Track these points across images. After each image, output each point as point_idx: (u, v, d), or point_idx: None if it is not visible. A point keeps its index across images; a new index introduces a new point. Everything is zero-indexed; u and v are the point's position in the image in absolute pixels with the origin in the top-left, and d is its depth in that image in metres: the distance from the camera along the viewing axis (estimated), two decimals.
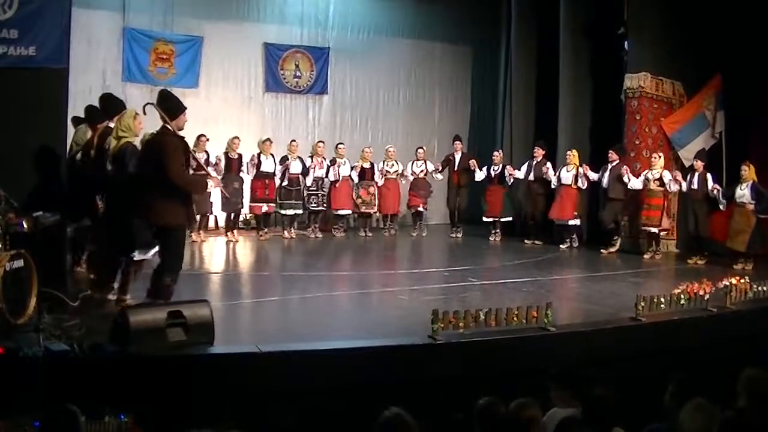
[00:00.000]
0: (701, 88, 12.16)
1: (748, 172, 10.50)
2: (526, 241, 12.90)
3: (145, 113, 6.99)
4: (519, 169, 13.09)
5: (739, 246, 10.51)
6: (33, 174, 7.51)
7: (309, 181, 12.74)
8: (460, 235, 13.69)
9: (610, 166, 11.88)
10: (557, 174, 12.47)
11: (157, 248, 6.91)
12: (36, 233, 6.82)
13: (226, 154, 12.17)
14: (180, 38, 13.62)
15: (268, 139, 12.65)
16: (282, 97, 14.71)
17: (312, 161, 12.82)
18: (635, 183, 11.54)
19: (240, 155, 12.25)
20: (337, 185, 12.99)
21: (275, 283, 9.37)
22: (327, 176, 12.96)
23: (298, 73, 14.75)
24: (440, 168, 13.74)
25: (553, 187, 12.58)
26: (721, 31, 11.54)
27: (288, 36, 14.66)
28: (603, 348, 6.79)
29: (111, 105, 7.80)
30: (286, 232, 12.73)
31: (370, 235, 13.49)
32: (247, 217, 13.06)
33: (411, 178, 13.65)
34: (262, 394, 5.50)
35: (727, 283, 7.97)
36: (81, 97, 9.87)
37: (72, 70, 8.14)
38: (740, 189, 10.50)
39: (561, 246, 12.35)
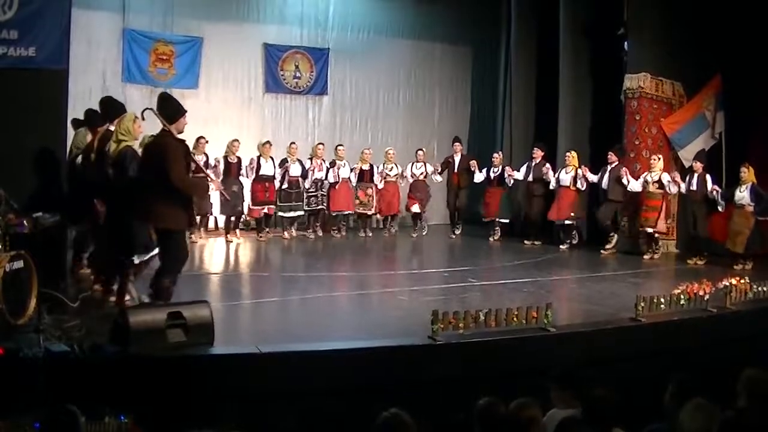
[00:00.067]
0: (701, 88, 12.15)
1: (748, 173, 10.50)
2: (525, 241, 12.90)
3: (144, 119, 6.98)
4: (518, 171, 13.09)
5: (738, 247, 10.51)
6: (33, 175, 7.53)
7: (308, 183, 12.74)
8: (458, 232, 13.71)
9: (609, 168, 11.88)
10: (557, 175, 12.47)
11: (156, 251, 6.91)
12: (36, 234, 6.83)
13: (225, 157, 12.16)
14: (180, 39, 13.61)
15: (268, 142, 12.65)
16: (282, 98, 14.70)
17: (311, 163, 12.82)
18: (634, 185, 11.54)
19: (239, 159, 12.24)
20: (336, 187, 12.99)
21: (275, 284, 9.37)
22: (326, 178, 12.96)
23: (297, 74, 14.75)
24: (440, 170, 13.73)
25: (552, 188, 12.58)
26: (721, 31, 11.54)
27: (288, 37, 14.65)
28: (603, 348, 6.79)
29: (111, 108, 7.79)
30: (285, 232, 12.73)
31: (370, 235, 13.49)
32: (247, 219, 13.04)
33: (410, 179, 13.64)
34: (262, 394, 5.50)
35: (727, 284, 7.97)
36: (81, 98, 9.89)
37: (72, 71, 8.17)
38: (740, 191, 10.50)
39: (561, 246, 12.34)
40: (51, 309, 6.33)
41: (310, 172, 12.73)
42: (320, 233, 13.17)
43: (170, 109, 6.68)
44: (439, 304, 7.07)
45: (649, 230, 11.47)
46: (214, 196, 11.59)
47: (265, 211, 12.52)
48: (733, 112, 11.94)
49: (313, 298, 8.32)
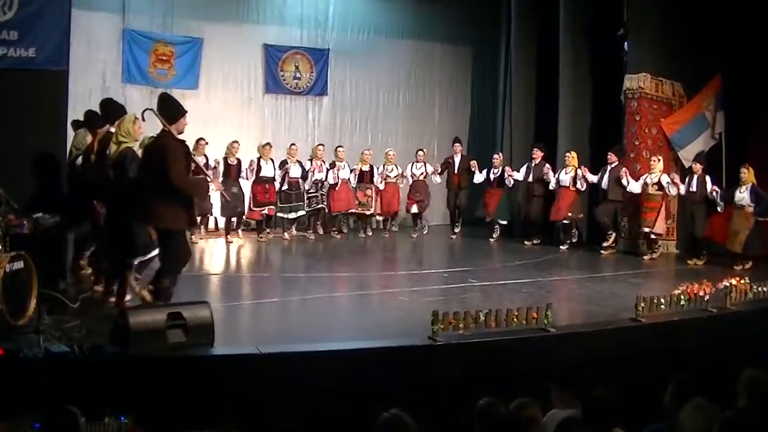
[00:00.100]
0: (701, 88, 12.15)
1: (748, 174, 10.50)
2: (525, 242, 12.90)
3: (144, 119, 6.98)
4: (518, 171, 13.09)
5: (737, 247, 10.51)
6: (33, 175, 7.54)
7: (308, 184, 12.74)
8: (457, 230, 13.73)
9: (609, 168, 11.89)
10: (556, 175, 12.47)
11: (156, 251, 6.92)
12: (36, 235, 6.83)
13: (225, 159, 12.16)
14: (180, 40, 13.61)
15: (268, 144, 12.65)
16: (282, 99, 14.69)
17: (311, 164, 12.82)
18: (634, 186, 11.54)
19: (239, 160, 12.24)
20: (336, 188, 13.00)
21: (275, 285, 9.37)
22: (326, 179, 12.97)
23: (297, 75, 14.75)
24: (440, 171, 13.73)
25: (552, 188, 12.59)
26: (720, 31, 11.54)
27: (288, 37, 14.65)
28: (603, 349, 6.79)
29: (112, 110, 7.79)
30: (286, 233, 12.73)
31: (370, 234, 13.50)
32: (247, 220, 13.04)
33: (410, 180, 13.64)
34: (262, 395, 5.50)
35: (727, 284, 7.98)
36: (81, 98, 9.89)
37: (72, 71, 8.18)
38: (739, 192, 10.50)
39: (561, 247, 12.35)
40: (51, 310, 6.31)
41: (311, 173, 12.73)
42: (321, 231, 13.17)
43: (170, 110, 6.68)
44: (439, 304, 7.06)
45: (646, 230, 11.47)
46: (215, 197, 11.59)
47: (266, 212, 12.52)
48: (733, 112, 11.94)
49: (313, 298, 8.32)
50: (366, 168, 13.29)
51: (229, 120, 13.82)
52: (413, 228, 13.99)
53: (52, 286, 7.11)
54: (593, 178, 12.08)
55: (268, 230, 12.63)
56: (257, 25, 14.30)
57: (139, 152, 7.07)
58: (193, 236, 11.37)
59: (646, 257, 11.50)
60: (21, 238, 6.61)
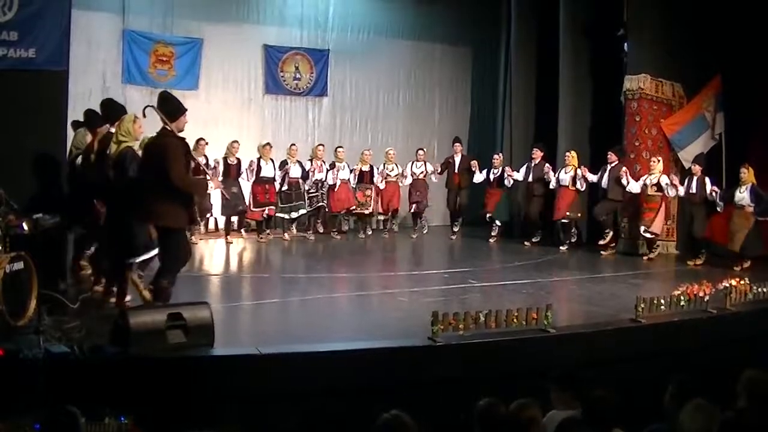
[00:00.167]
0: (701, 89, 12.16)
1: (747, 174, 10.51)
2: (525, 242, 12.91)
3: (145, 116, 6.98)
4: (518, 171, 13.10)
5: (735, 245, 10.52)
6: (33, 176, 7.53)
7: (308, 184, 12.75)
8: (456, 230, 13.73)
9: (609, 167, 11.90)
10: (556, 175, 12.48)
11: (156, 250, 6.92)
12: (36, 235, 6.83)
13: (224, 159, 12.18)
14: (180, 40, 13.62)
15: (268, 144, 12.65)
16: (282, 99, 14.70)
17: (312, 164, 12.83)
18: (634, 186, 11.55)
19: (239, 160, 12.25)
20: (335, 189, 13.00)
21: (275, 285, 9.37)
22: (326, 179, 12.97)
23: (297, 75, 14.75)
24: (440, 170, 13.74)
25: (552, 188, 12.59)
26: (720, 32, 11.54)
27: (288, 38, 14.66)
28: (603, 349, 6.79)
29: (112, 110, 7.79)
30: (286, 233, 12.73)
31: (370, 234, 13.51)
32: (248, 220, 13.04)
33: (410, 179, 13.64)
34: (263, 396, 5.50)
35: (727, 285, 7.97)
36: (81, 99, 9.89)
37: (72, 72, 8.18)
38: (739, 192, 10.50)
39: (560, 248, 12.35)
40: (51, 310, 6.32)
41: (311, 173, 12.74)
42: (321, 230, 13.17)
43: (171, 108, 6.67)
44: (439, 305, 7.06)
45: (643, 228, 11.47)
46: (215, 196, 11.59)
47: (266, 212, 12.52)
48: (733, 113, 11.94)
49: (313, 299, 8.32)
50: (366, 168, 13.30)
51: (229, 121, 13.82)
52: (413, 228, 14.00)
53: (52, 287, 7.11)
54: (593, 178, 12.08)
55: (267, 231, 12.63)
56: (257, 25, 14.31)
57: (140, 152, 7.07)
58: (193, 236, 11.37)
59: (645, 257, 11.49)
60: (21, 238, 6.61)
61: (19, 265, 6.30)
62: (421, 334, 6.29)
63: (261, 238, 12.48)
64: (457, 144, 13.91)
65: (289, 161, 12.64)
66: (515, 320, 6.53)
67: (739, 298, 7.97)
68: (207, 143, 11.87)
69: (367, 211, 13.49)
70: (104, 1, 12.86)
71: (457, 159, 13.70)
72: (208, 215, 12.32)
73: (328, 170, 12.99)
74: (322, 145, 13.25)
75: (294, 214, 12.75)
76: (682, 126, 12.14)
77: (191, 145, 8.48)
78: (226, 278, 9.74)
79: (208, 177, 7.88)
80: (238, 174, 12.22)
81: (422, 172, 13.63)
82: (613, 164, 11.85)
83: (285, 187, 12.57)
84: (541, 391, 4.45)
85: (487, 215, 13.41)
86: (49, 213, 7.10)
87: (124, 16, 13.13)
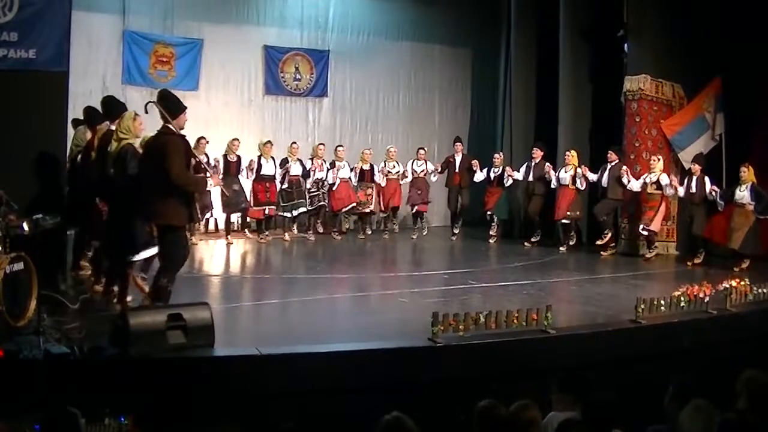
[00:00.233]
0: (701, 90, 12.15)
1: (747, 173, 10.52)
2: (525, 243, 12.91)
3: (147, 112, 6.98)
4: (518, 171, 13.10)
5: (734, 243, 10.53)
6: (33, 176, 7.52)
7: (309, 183, 12.76)
8: (457, 231, 13.73)
9: (609, 167, 11.90)
10: (557, 174, 12.48)
11: (156, 248, 6.92)
12: (36, 235, 6.82)
13: (224, 156, 12.19)
14: (180, 41, 13.62)
15: (269, 142, 12.67)
16: (282, 100, 14.71)
17: (312, 163, 12.83)
18: (634, 185, 11.55)
19: (239, 157, 12.27)
20: (335, 188, 13.01)
21: (275, 286, 9.37)
22: (327, 178, 12.98)
23: (298, 76, 14.76)
24: (440, 169, 13.75)
25: (552, 187, 12.59)
26: (720, 33, 11.53)
27: (288, 39, 14.67)
28: (603, 350, 6.79)
29: (113, 107, 7.80)
30: (286, 234, 12.73)
31: (369, 233, 13.51)
32: (248, 220, 13.05)
33: (410, 177, 13.64)
34: (263, 396, 5.50)
35: (727, 286, 7.98)
36: (81, 99, 9.87)
37: (72, 72, 8.16)
38: (740, 191, 10.52)
39: (560, 248, 12.35)
40: (51, 311, 6.33)
41: (312, 172, 12.74)
42: (321, 230, 13.17)
43: (171, 104, 6.66)
44: (439, 306, 7.06)
45: (641, 226, 11.47)
46: (215, 195, 11.58)
47: (267, 212, 12.52)
48: (733, 113, 11.94)
49: (314, 299, 8.32)
50: (366, 167, 13.30)
51: (229, 121, 13.83)
52: (413, 228, 14.00)
53: (52, 287, 7.12)
54: (593, 177, 12.09)
55: (267, 233, 12.62)
56: (257, 26, 14.32)
57: (140, 150, 7.07)
58: (193, 237, 11.38)
59: (645, 255, 11.49)
60: (21, 239, 6.61)
61: (19, 266, 6.31)
62: (422, 335, 6.29)
63: (261, 238, 12.48)
64: (458, 144, 13.92)
65: (289, 159, 12.64)
66: (515, 321, 6.53)
67: (739, 298, 7.98)
68: (208, 142, 11.89)
69: (368, 210, 13.50)
70: (104, 1, 12.88)
71: (458, 158, 13.70)
72: (209, 214, 12.32)
73: (328, 169, 12.99)
74: (323, 144, 13.24)
75: (294, 212, 12.74)
76: (683, 127, 12.13)
77: (192, 144, 8.50)
78: (226, 279, 9.75)
79: (208, 175, 7.87)
80: (238, 171, 12.23)
81: (423, 171, 13.63)
82: (613, 163, 11.86)
83: (285, 185, 12.57)
84: (541, 392, 4.45)
85: (487, 213, 13.43)
86: (49, 213, 7.09)
87: (125, 16, 13.14)
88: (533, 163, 12.88)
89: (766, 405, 3.95)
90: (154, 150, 6.55)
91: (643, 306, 7.21)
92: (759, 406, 3.94)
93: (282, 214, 12.72)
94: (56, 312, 6.52)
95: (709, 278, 8.48)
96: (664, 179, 11.29)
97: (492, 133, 15.56)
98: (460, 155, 13.74)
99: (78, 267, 8.50)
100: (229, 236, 12.22)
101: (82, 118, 8.70)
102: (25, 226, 6.63)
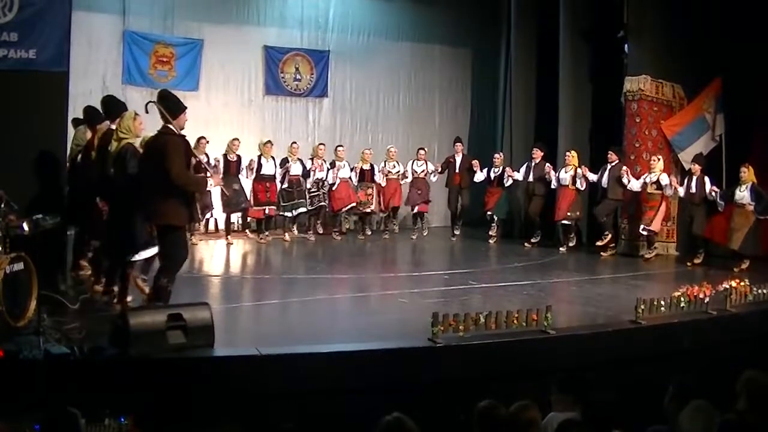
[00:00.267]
0: (701, 90, 12.15)
1: (747, 173, 10.52)
2: (525, 243, 12.90)
3: (147, 111, 6.98)
4: (518, 171, 13.10)
5: (734, 244, 10.53)
6: (33, 177, 7.52)
7: (309, 183, 12.76)
8: (457, 232, 13.72)
9: (609, 167, 11.90)
10: (557, 175, 12.48)
11: (156, 248, 6.92)
12: (36, 236, 6.82)
13: (224, 155, 12.20)
14: (180, 41, 13.63)
15: (269, 141, 12.67)
16: (282, 100, 14.71)
17: (312, 163, 12.83)
18: (635, 184, 11.55)
19: (239, 157, 12.27)
20: (335, 188, 13.01)
21: (275, 286, 9.37)
22: (327, 178, 12.98)
23: (298, 76, 14.76)
24: (440, 169, 13.75)
25: (553, 187, 12.59)
26: (720, 33, 11.53)
27: (288, 39, 14.67)
28: (603, 351, 6.79)
29: (113, 106, 7.80)
30: (287, 234, 12.73)
31: (369, 234, 13.50)
32: (248, 220, 13.05)
33: (410, 178, 13.64)
34: (263, 396, 5.50)
35: (727, 286, 7.98)
36: (81, 99, 9.86)
37: (72, 72, 8.15)
38: (740, 191, 10.52)
39: (560, 249, 12.35)
40: (51, 311, 6.32)
41: (312, 172, 12.74)
42: (321, 231, 13.17)
43: (171, 104, 6.66)
44: (439, 306, 7.05)
45: (641, 227, 11.47)
46: (215, 195, 11.58)
47: (267, 212, 12.51)
48: (733, 114, 11.94)
49: (314, 300, 8.32)
50: (366, 167, 13.30)
51: (229, 121, 13.83)
52: (413, 228, 14.00)
53: (52, 288, 7.12)
54: (593, 177, 12.09)
55: (267, 233, 12.62)
56: (257, 26, 14.32)
57: (141, 149, 7.08)
58: (192, 237, 11.39)
59: (645, 255, 11.49)
60: (21, 239, 6.61)
61: (19, 266, 6.31)
62: (422, 335, 6.29)
63: (261, 238, 12.48)
64: (458, 144, 13.94)
65: (290, 159, 12.64)
66: (515, 321, 6.53)
67: (739, 299, 7.98)
68: (208, 142, 11.90)
69: (368, 210, 13.50)
70: (105, 2, 12.88)
71: (458, 158, 13.72)
72: (209, 214, 12.32)
73: (328, 169, 12.99)
74: (323, 144, 13.24)
75: (294, 212, 12.73)
76: (683, 127, 12.13)
77: (192, 144, 8.50)
78: (226, 279, 9.75)
79: (208, 174, 7.87)
80: (238, 171, 12.23)
81: (423, 171, 13.64)
82: (613, 164, 11.86)
83: (286, 185, 12.57)
84: (541, 393, 4.45)
85: (488, 213, 13.44)
86: (49, 213, 7.09)
87: (125, 17, 13.15)
88: (533, 164, 12.88)
89: (765, 406, 3.96)
90: (154, 150, 6.55)
91: (643, 306, 7.21)
92: (759, 407, 3.95)
93: (282, 213, 12.72)
94: (56, 312, 6.52)
95: (709, 279, 8.48)
96: (664, 179, 11.29)
97: (492, 133, 15.57)
98: (461, 155, 13.75)
99: (78, 267, 8.50)
100: (229, 236, 12.22)
101: (82, 118, 8.70)
102: (25, 227, 6.63)
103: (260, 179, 12.34)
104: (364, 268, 11.01)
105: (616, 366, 6.64)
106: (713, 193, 10.80)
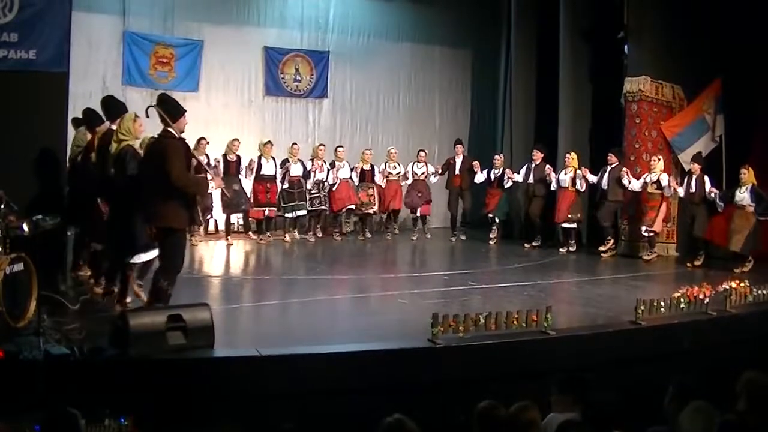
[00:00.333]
0: (701, 91, 12.15)
1: (747, 175, 10.52)
2: (525, 244, 12.90)
3: (147, 116, 6.99)
4: (518, 173, 13.10)
5: (735, 246, 10.53)
6: (33, 177, 7.53)
7: (310, 184, 12.76)
8: (464, 237, 13.65)
9: (609, 168, 11.90)
10: (557, 176, 12.48)
11: (156, 251, 6.91)
12: (36, 236, 6.83)
13: (224, 156, 12.20)
14: (180, 42, 13.64)
15: (269, 142, 12.67)
16: (282, 101, 14.72)
17: (312, 164, 12.83)
18: (635, 185, 11.55)
19: (239, 157, 12.28)
20: (335, 188, 13.01)
21: (275, 287, 9.38)
22: (327, 179, 12.97)
23: (298, 77, 14.77)
24: (440, 171, 13.74)
25: (552, 189, 12.59)
26: (721, 34, 11.53)
27: (288, 40, 14.68)
28: (603, 351, 6.78)
29: (113, 107, 7.80)
30: (287, 235, 12.73)
31: (370, 236, 13.50)
32: (249, 221, 13.05)
33: (411, 180, 13.64)
34: (263, 397, 5.50)
35: (727, 287, 7.97)
36: (81, 100, 9.88)
37: (72, 73, 8.15)
38: (740, 192, 10.52)
39: (560, 249, 12.35)
40: (51, 311, 6.32)
41: (312, 173, 12.74)
42: (320, 235, 13.17)
43: (171, 108, 6.67)
44: (439, 307, 7.05)
45: (643, 228, 11.47)
46: (216, 196, 11.59)
47: (267, 213, 12.51)
48: (733, 115, 11.94)
49: (314, 300, 8.32)
50: (367, 167, 13.30)
51: (229, 122, 13.84)
52: (414, 230, 13.99)
53: (52, 288, 7.12)
54: (593, 178, 12.10)
55: (268, 234, 12.62)
56: (257, 27, 14.33)
57: (141, 151, 7.08)
58: (193, 238, 11.39)
59: (645, 257, 11.49)
60: (21, 239, 6.61)
61: (19, 267, 6.31)
62: (422, 336, 6.28)
63: (261, 239, 12.48)
64: (459, 145, 13.94)
65: (290, 160, 12.63)
66: (515, 322, 6.53)
67: (739, 300, 7.98)
68: (208, 142, 11.91)
69: (370, 211, 13.49)
70: (105, 2, 12.89)
71: (459, 160, 13.72)
72: (209, 216, 12.32)
73: (329, 170, 12.98)
74: (323, 145, 13.24)
75: (295, 213, 12.73)
76: (683, 128, 12.13)
77: (192, 144, 8.50)
78: (226, 280, 9.75)
79: (209, 176, 7.88)
80: (238, 171, 12.22)
81: (423, 173, 13.63)
82: (613, 165, 11.86)
83: (286, 185, 12.57)
84: (541, 393, 4.45)
85: (488, 214, 13.43)
86: (49, 214, 7.09)
87: (125, 17, 13.16)
88: (533, 165, 12.87)
89: (765, 406, 3.96)
90: (155, 153, 6.55)
91: (643, 307, 7.20)
92: (759, 408, 3.95)
93: (282, 215, 12.71)
94: (56, 313, 6.52)
95: (709, 279, 8.47)
96: (665, 179, 11.29)
97: (492, 134, 15.58)
98: (461, 157, 13.75)
99: (78, 268, 8.50)
100: (229, 237, 12.23)
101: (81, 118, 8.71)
102: (25, 227, 6.63)
103: (260, 180, 12.34)
104: (364, 268, 11.01)
105: (616, 366, 6.63)
106: (713, 194, 10.80)
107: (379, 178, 13.39)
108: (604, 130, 12.93)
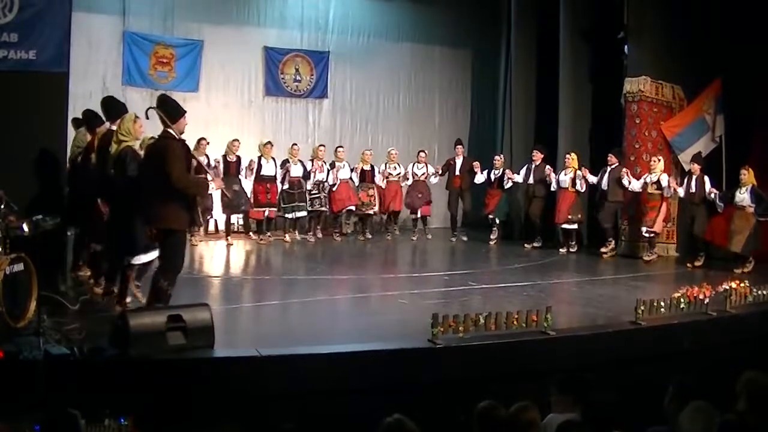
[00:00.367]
0: (701, 91, 12.15)
1: (747, 176, 10.52)
2: (525, 244, 12.90)
3: (147, 117, 6.98)
4: (518, 173, 13.10)
5: (735, 247, 10.52)
6: (33, 177, 7.53)
7: (310, 184, 12.75)
8: (465, 238, 13.62)
9: (609, 169, 11.91)
10: (557, 177, 12.48)
11: (156, 252, 6.91)
12: (36, 236, 6.83)
13: (224, 156, 12.19)
14: (180, 42, 13.64)
15: (269, 142, 12.67)
16: (282, 101, 14.73)
17: (313, 165, 12.83)
18: (635, 185, 11.56)
19: (239, 157, 12.28)
20: (335, 188, 13.00)
21: (276, 287, 9.37)
22: (327, 180, 12.97)
23: (298, 77, 14.77)
24: (440, 172, 13.74)
25: (552, 189, 12.59)
26: (721, 34, 11.53)
27: (288, 40, 14.68)
28: (603, 352, 6.78)
29: (113, 108, 7.80)
30: (287, 235, 12.73)
31: (370, 237, 13.50)
32: (249, 221, 13.05)
33: (411, 180, 13.64)
34: (263, 397, 5.50)
35: (727, 287, 7.97)
36: (81, 100, 9.90)
37: (72, 73, 8.16)
38: (740, 193, 10.52)
39: (560, 250, 12.35)
40: (51, 312, 6.32)
41: (312, 174, 12.74)
42: (320, 235, 13.17)
43: (171, 109, 6.67)
44: (439, 307, 7.05)
45: (644, 229, 11.47)
46: (216, 196, 11.59)
47: (267, 213, 12.51)
48: (733, 115, 11.94)
49: (314, 301, 8.31)
50: (367, 167, 13.30)
51: (229, 122, 13.85)
52: (413, 230, 13.99)
53: (52, 288, 7.12)
54: (593, 179, 12.10)
55: (269, 234, 12.62)
56: (257, 27, 14.34)
57: (141, 152, 7.08)
58: (192, 238, 11.39)
59: (646, 258, 11.49)
60: (21, 240, 6.61)
61: (19, 267, 6.31)
62: (422, 336, 6.28)
63: (261, 239, 12.48)
64: (459, 146, 13.94)
65: (290, 161, 12.63)
66: (515, 322, 6.52)
67: (738, 300, 7.97)
68: (208, 143, 11.92)
69: (371, 212, 13.49)
70: (105, 2, 12.90)
71: (459, 161, 13.72)
72: (209, 216, 12.32)
73: (329, 171, 12.98)
74: (323, 146, 13.24)
75: (295, 214, 12.73)
76: (683, 128, 12.13)
77: (192, 145, 8.50)
78: (226, 280, 9.74)
79: (209, 177, 7.88)
80: (238, 172, 12.22)
81: (423, 174, 13.63)
82: (613, 166, 11.86)
83: (286, 186, 12.57)
84: (540, 394, 4.45)
85: (488, 215, 13.43)
86: (49, 214, 7.09)
87: (125, 17, 13.17)
88: (533, 166, 12.88)
89: (765, 406, 3.96)
90: (154, 154, 6.55)
91: (643, 307, 7.20)
92: (759, 408, 3.95)
93: (282, 215, 12.71)
94: (56, 313, 6.52)
95: (709, 280, 8.47)
96: (665, 179, 11.30)
97: (492, 134, 15.59)
98: (461, 158, 13.75)
99: (78, 268, 8.50)
100: (229, 237, 12.22)
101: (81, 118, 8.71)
102: (25, 227, 6.63)
103: (260, 180, 12.34)
104: (364, 269, 11.01)
105: (616, 367, 6.63)
106: (713, 195, 10.80)
107: (379, 179, 13.38)
108: (604, 131, 12.93)
